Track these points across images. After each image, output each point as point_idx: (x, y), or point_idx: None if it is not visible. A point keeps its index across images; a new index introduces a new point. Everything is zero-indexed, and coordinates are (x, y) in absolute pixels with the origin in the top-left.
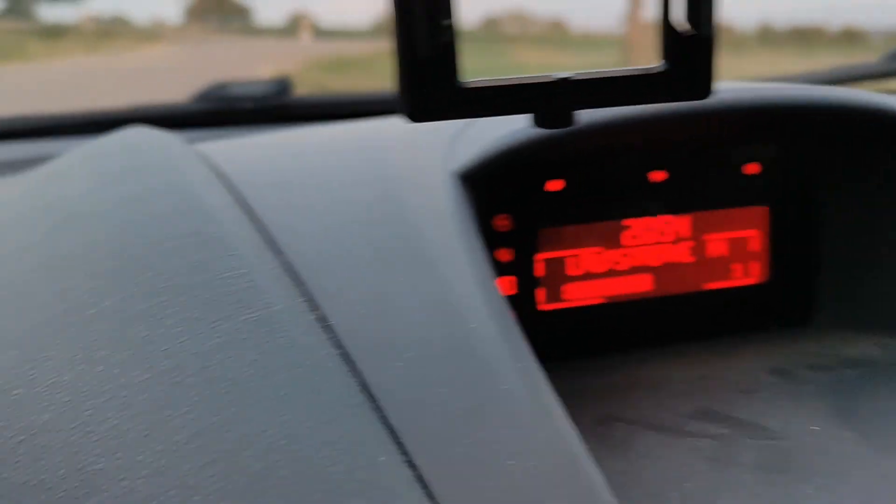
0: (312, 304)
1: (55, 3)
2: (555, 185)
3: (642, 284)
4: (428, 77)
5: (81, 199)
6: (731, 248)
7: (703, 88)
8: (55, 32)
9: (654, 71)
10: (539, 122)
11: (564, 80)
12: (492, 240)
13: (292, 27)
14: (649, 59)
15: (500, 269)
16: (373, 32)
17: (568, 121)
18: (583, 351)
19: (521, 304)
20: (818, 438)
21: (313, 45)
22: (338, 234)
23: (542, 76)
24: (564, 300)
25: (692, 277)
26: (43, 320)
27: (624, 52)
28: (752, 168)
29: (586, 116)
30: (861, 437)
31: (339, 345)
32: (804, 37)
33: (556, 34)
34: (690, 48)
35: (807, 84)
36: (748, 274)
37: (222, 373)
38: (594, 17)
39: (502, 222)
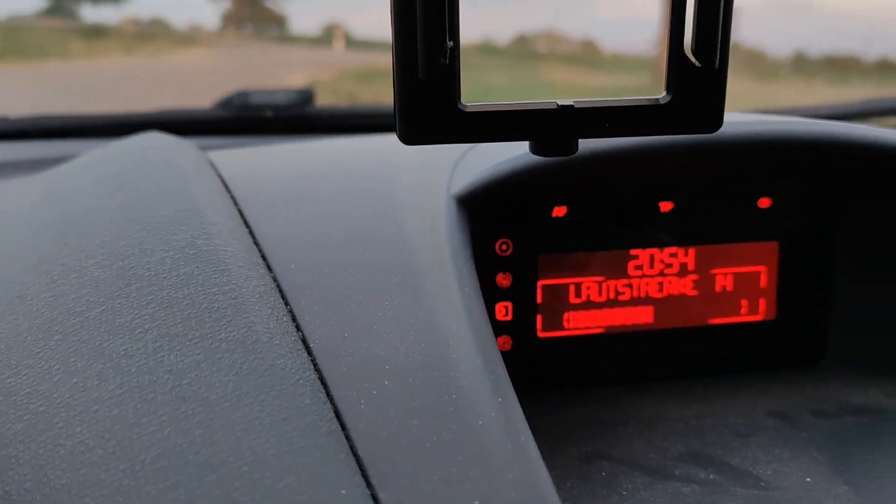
0: (296, 325)
1: (97, 4)
2: (557, 212)
3: (644, 316)
4: (426, 100)
5: (83, 204)
6: (738, 284)
7: (711, 122)
8: (96, 33)
9: (659, 102)
10: (537, 150)
11: (567, 108)
12: (494, 264)
13: (326, 37)
14: None
15: (501, 293)
16: None
17: (569, 149)
18: (581, 380)
19: (521, 331)
20: (810, 491)
21: (346, 55)
22: (331, 253)
23: (545, 103)
24: (564, 328)
25: (696, 311)
26: (28, 327)
27: (654, 74)
28: (762, 202)
29: (590, 144)
30: (855, 492)
31: (316, 369)
32: (839, 65)
33: (586, 54)
34: (699, 81)
35: (829, 117)
36: (755, 311)
37: (194, 393)
38: (625, 39)
39: (503, 247)
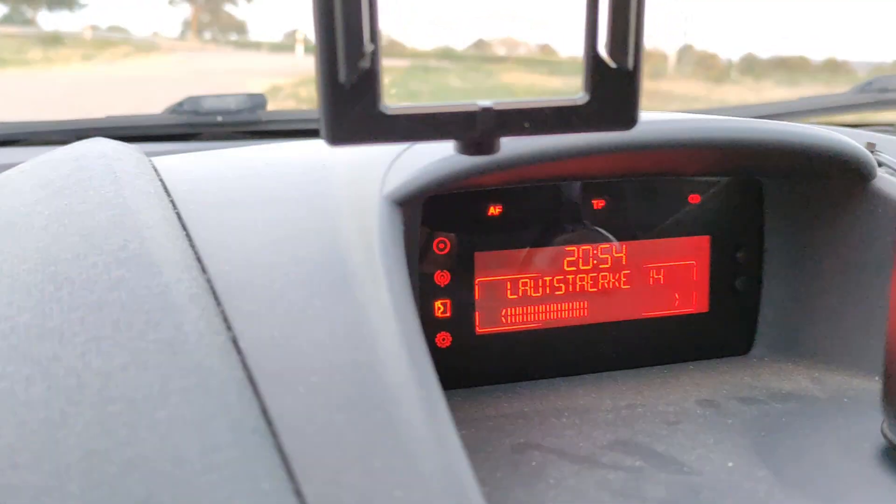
0: (227, 325)
1: (55, 11)
2: (493, 210)
3: (580, 310)
4: (349, 103)
5: (19, 209)
6: (670, 277)
7: (626, 120)
8: (54, 40)
9: (578, 102)
10: (462, 150)
11: (486, 109)
12: (432, 262)
13: (287, 42)
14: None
15: (439, 291)
16: None
17: (491, 149)
18: (519, 375)
19: (459, 327)
20: (731, 475)
21: (306, 60)
22: (265, 254)
23: (465, 104)
24: (502, 324)
25: (631, 305)
26: None
27: None
28: (692, 198)
29: (519, 144)
30: (774, 475)
31: (245, 367)
32: (788, 66)
33: (544, 57)
34: (614, 81)
35: (771, 116)
36: (687, 303)
37: (121, 393)
38: (580, 45)
39: (440, 245)
